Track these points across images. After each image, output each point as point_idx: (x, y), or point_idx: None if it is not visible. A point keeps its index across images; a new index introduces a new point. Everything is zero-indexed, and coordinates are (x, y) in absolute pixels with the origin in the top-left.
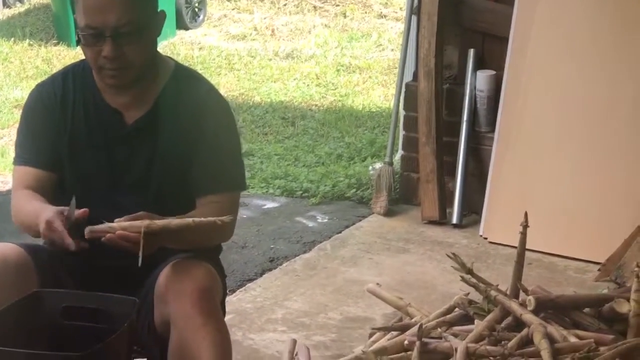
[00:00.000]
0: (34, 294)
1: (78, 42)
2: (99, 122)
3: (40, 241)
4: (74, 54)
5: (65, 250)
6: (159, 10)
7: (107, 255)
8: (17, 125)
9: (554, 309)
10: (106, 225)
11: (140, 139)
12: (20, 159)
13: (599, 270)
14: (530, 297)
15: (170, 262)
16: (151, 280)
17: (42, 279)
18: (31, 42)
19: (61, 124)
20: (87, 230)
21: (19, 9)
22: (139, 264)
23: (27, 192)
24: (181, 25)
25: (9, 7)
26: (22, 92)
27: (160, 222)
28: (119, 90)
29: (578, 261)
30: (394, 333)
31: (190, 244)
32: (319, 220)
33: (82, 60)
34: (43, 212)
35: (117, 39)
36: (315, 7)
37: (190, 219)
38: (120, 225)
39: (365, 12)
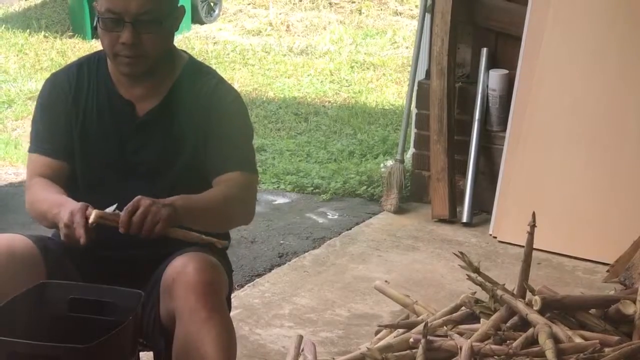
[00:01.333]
0: (41, 286)
1: (94, 31)
2: (111, 113)
3: (49, 232)
4: (89, 47)
5: (75, 241)
6: (179, 5)
7: (115, 247)
8: (31, 116)
9: (560, 309)
10: (113, 212)
11: (151, 131)
12: (35, 147)
13: (607, 271)
14: (537, 297)
15: (177, 256)
16: (157, 273)
17: (49, 271)
18: (46, 34)
19: (74, 114)
20: (95, 214)
21: (35, 1)
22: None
23: (44, 180)
24: (196, 19)
25: None
26: (37, 84)
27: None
28: (131, 80)
29: (587, 262)
30: (400, 331)
31: (205, 222)
32: (329, 217)
33: (97, 52)
34: (67, 203)
35: (136, 26)
36: (330, 3)
37: (196, 235)
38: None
39: (381, 9)
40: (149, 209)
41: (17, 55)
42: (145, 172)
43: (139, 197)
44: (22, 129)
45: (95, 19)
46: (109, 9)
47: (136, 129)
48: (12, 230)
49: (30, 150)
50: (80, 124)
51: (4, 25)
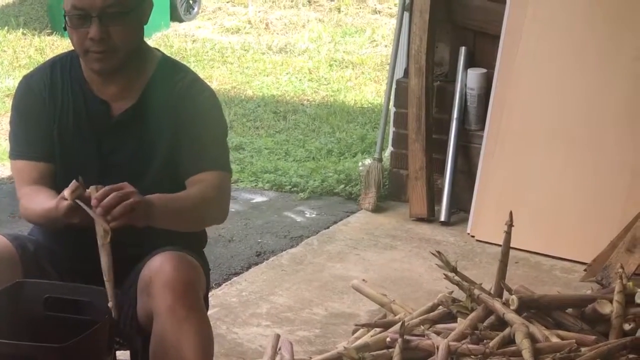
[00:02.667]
0: (17, 284)
1: (64, 29)
2: (86, 113)
3: (26, 231)
4: (67, 44)
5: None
6: None
7: (92, 246)
8: (8, 114)
9: (536, 308)
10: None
11: (127, 130)
12: (17, 152)
13: (584, 270)
14: (513, 297)
15: (155, 255)
16: (135, 272)
17: (25, 270)
18: (25, 32)
19: (50, 114)
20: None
21: None
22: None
23: (34, 187)
24: (175, 17)
25: None
26: (15, 82)
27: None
28: (104, 78)
29: (564, 261)
30: (378, 330)
31: (179, 223)
32: (307, 215)
33: (69, 52)
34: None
35: (103, 19)
36: (309, 1)
37: None
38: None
39: (360, 8)
40: (131, 195)
41: None
42: (122, 172)
43: (126, 183)
44: (0, 126)
45: (64, 18)
46: (74, 6)
47: (111, 129)
48: None
49: (12, 157)
50: (57, 124)
51: None
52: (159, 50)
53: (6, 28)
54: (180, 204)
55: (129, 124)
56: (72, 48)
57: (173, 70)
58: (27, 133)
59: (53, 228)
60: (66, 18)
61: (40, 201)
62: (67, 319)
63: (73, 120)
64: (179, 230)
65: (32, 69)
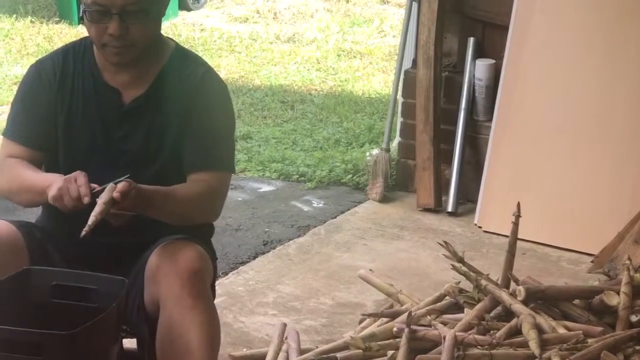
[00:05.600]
0: (24, 272)
1: (81, 20)
2: (96, 100)
3: (32, 219)
4: (76, 32)
5: (74, 205)
6: None
7: (99, 234)
8: None
9: (543, 299)
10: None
11: (137, 118)
12: (11, 133)
13: (592, 262)
14: (520, 287)
15: (162, 244)
16: (142, 260)
17: (33, 257)
18: (33, 20)
19: (58, 101)
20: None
21: None
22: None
23: (20, 160)
24: (183, 6)
25: None
26: (23, 69)
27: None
28: (119, 68)
29: (572, 252)
30: (384, 320)
31: (171, 216)
32: (314, 205)
33: (83, 39)
34: (59, 176)
35: (123, 17)
36: None
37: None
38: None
39: None
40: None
41: (4, 41)
42: (130, 160)
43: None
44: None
45: (81, 9)
46: (95, 2)
47: (122, 117)
48: None
49: (6, 135)
50: (66, 110)
51: None
52: (172, 40)
53: (14, 16)
54: (175, 201)
55: (139, 112)
56: (82, 36)
57: (185, 61)
58: (24, 117)
59: (29, 201)
60: (85, 11)
61: (27, 173)
62: (74, 307)
63: (83, 107)
64: (166, 222)
65: (40, 56)
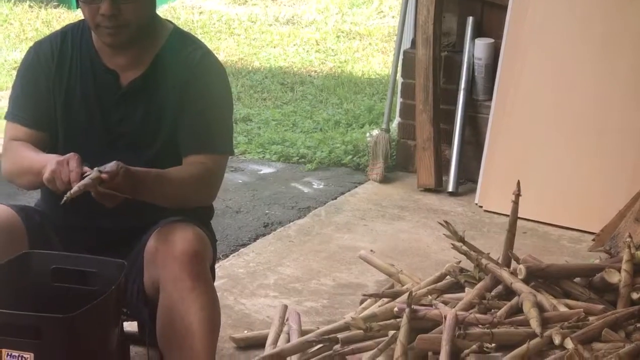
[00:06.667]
0: (24, 255)
1: (77, 2)
2: (94, 82)
3: (32, 202)
4: (74, 17)
5: (65, 189)
6: None
7: (97, 217)
8: None
9: (544, 278)
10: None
11: (134, 100)
12: (13, 115)
13: (593, 240)
14: (521, 266)
15: (161, 226)
16: (141, 243)
17: (32, 241)
18: (31, 4)
19: (57, 82)
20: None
21: None
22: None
23: (23, 142)
24: None
25: None
26: (21, 54)
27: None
28: (116, 50)
29: (572, 231)
30: (385, 300)
31: (166, 199)
32: (315, 187)
33: (81, 21)
34: (55, 156)
35: None
36: None
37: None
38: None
39: None
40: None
41: (2, 26)
42: (127, 142)
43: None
44: (7, 100)
45: None
46: None
47: (119, 98)
48: None
49: (8, 118)
50: (64, 92)
51: None
52: (170, 22)
53: (13, 1)
54: (168, 184)
55: (137, 94)
56: (81, 19)
57: (184, 43)
58: (26, 98)
59: (29, 183)
60: None
61: (28, 155)
62: (74, 290)
63: (81, 89)
64: (161, 205)
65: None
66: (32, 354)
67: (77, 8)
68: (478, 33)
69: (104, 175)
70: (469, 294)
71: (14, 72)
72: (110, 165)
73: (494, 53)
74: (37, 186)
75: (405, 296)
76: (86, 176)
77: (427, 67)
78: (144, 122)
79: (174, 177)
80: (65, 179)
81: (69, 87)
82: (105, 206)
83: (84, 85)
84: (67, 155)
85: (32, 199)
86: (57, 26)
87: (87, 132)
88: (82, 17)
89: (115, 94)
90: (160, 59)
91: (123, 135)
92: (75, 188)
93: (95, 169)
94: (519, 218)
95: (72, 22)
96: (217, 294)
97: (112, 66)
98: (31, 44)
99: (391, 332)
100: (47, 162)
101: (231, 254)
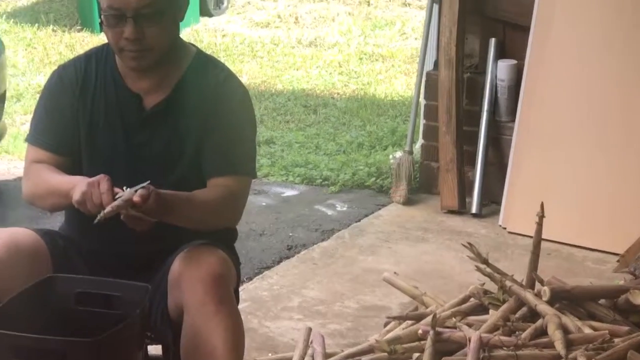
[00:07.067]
0: (48, 279)
1: (101, 26)
2: (118, 105)
3: (56, 227)
4: (98, 40)
5: (97, 211)
6: None
7: (121, 241)
8: None
9: (569, 299)
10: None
11: (158, 124)
12: (35, 139)
13: (617, 261)
14: (545, 288)
15: (185, 249)
16: (165, 267)
17: (56, 265)
18: (55, 28)
19: (81, 106)
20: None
21: None
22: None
23: (46, 164)
24: (205, 12)
25: None
26: (45, 78)
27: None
28: (139, 73)
29: (597, 252)
30: (409, 322)
31: (192, 222)
32: (338, 209)
33: (105, 44)
34: (84, 179)
35: (138, 20)
36: None
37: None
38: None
39: (389, 1)
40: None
41: (26, 50)
42: (152, 165)
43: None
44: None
45: (99, 15)
46: (110, 6)
47: (143, 122)
48: (21, 225)
49: (30, 141)
50: (88, 115)
51: (12, 20)
52: (194, 46)
53: (36, 25)
54: (194, 207)
55: (161, 117)
56: (103, 43)
57: (207, 66)
58: (48, 122)
59: (54, 205)
60: (103, 16)
61: (53, 177)
62: (98, 314)
63: (105, 112)
64: (185, 226)
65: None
66: None
67: (101, 32)
68: (501, 54)
69: (136, 199)
70: (493, 316)
71: (38, 96)
72: (142, 186)
73: (517, 74)
74: (62, 208)
75: (429, 318)
76: (118, 197)
77: (449, 88)
78: (168, 145)
79: (199, 200)
80: (97, 201)
81: (93, 111)
82: (135, 230)
83: (108, 109)
84: (98, 176)
85: (56, 222)
86: (80, 50)
87: (112, 155)
88: (106, 41)
89: (139, 117)
90: (183, 82)
91: (147, 158)
92: (108, 209)
93: (129, 189)
94: (543, 239)
95: (95, 45)
96: (241, 317)
97: (136, 89)
98: (55, 67)
99: (415, 355)
100: (76, 184)
101: (255, 276)
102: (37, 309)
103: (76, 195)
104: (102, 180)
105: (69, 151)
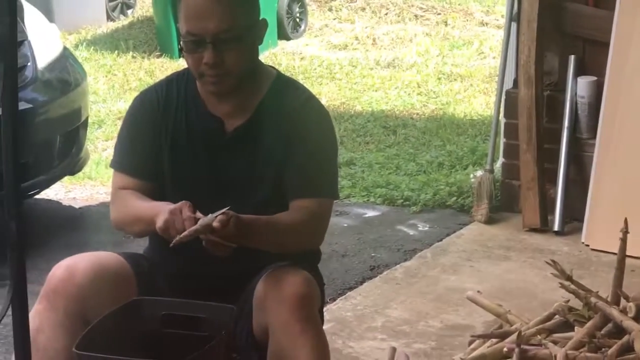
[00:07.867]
0: (134, 302)
1: (180, 51)
2: (200, 129)
3: (141, 250)
4: (176, 66)
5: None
6: (260, 18)
7: (205, 263)
8: None
9: None
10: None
11: (240, 147)
12: (119, 164)
13: None
14: (631, 304)
15: (269, 270)
16: (250, 288)
17: (141, 288)
18: (134, 55)
19: (163, 130)
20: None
21: (123, 22)
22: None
23: (132, 191)
24: (282, 35)
25: (113, 20)
26: (126, 104)
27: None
28: (220, 97)
29: None
30: (494, 340)
31: (273, 245)
32: (420, 229)
33: (186, 69)
34: (167, 205)
35: (217, 45)
36: (416, 15)
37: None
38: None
39: (467, 20)
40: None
41: (106, 76)
42: (234, 188)
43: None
44: (113, 150)
45: (178, 41)
46: (189, 32)
47: (225, 145)
48: (104, 249)
49: (115, 167)
50: (170, 139)
51: (92, 47)
52: (274, 68)
53: (116, 52)
54: (276, 230)
55: (242, 140)
56: (183, 68)
57: (287, 88)
58: (131, 148)
59: (140, 232)
60: (182, 42)
61: (137, 204)
62: (184, 336)
63: (187, 136)
64: (267, 250)
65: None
66: None
67: (180, 57)
68: (580, 71)
69: (215, 224)
70: (578, 332)
71: (119, 122)
72: (222, 212)
73: (597, 91)
74: (148, 234)
75: (514, 336)
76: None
77: (529, 106)
78: (250, 168)
79: (281, 223)
80: (179, 228)
81: (175, 134)
82: (215, 254)
83: (189, 132)
84: (179, 203)
85: (139, 247)
86: (160, 76)
87: (194, 179)
88: (186, 66)
89: (220, 140)
90: (264, 105)
91: (229, 182)
92: (185, 232)
93: (210, 215)
94: (627, 256)
95: (175, 70)
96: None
97: (217, 113)
98: (135, 94)
99: None
100: (159, 212)
101: (338, 297)
102: (124, 332)
103: (159, 223)
104: (184, 207)
105: (152, 176)
